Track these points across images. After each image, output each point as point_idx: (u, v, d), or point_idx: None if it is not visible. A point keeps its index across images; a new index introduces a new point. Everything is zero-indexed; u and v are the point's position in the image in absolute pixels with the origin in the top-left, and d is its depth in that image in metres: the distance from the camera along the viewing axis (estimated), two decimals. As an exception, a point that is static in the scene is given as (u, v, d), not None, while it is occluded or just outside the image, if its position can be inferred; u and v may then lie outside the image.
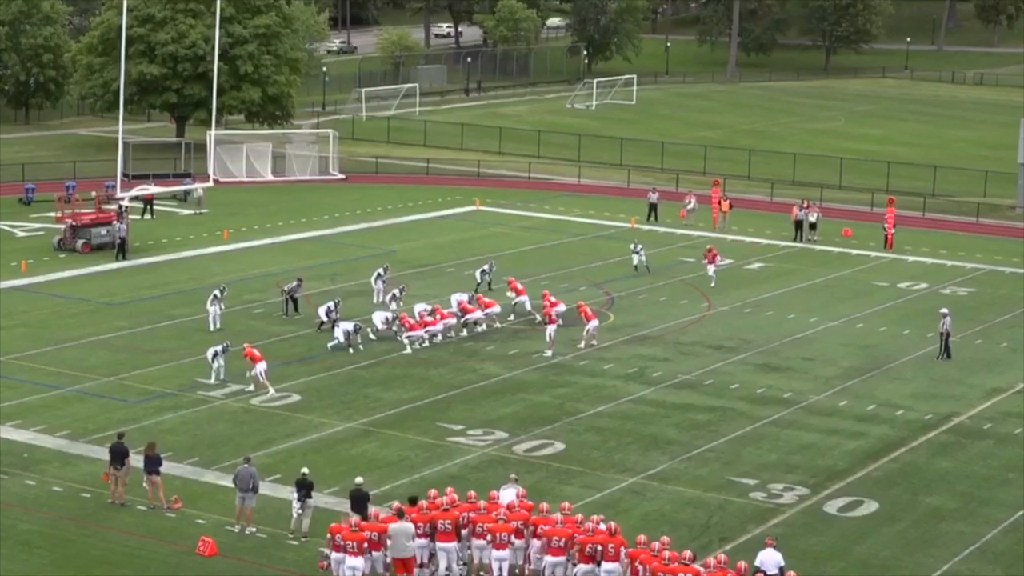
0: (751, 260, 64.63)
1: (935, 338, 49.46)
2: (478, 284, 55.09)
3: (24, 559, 30.84)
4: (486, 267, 56.20)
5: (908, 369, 47.75)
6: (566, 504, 30.71)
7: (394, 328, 48.40)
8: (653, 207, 72.87)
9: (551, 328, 47.84)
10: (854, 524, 34.26)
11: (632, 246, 61.34)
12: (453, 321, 49.34)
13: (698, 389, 44.58)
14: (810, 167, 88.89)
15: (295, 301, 51.57)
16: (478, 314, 50.26)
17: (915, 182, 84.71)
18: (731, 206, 72.34)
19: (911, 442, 40.28)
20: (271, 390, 42.21)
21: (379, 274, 54.05)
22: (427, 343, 47.92)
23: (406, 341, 47.50)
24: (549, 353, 47.28)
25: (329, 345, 47.12)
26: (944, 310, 49.68)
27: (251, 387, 42.38)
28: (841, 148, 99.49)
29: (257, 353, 42.84)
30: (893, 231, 68.18)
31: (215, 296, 49.63)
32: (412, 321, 48.13)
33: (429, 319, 48.55)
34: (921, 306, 56.03)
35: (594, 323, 48.65)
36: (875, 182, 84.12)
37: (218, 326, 48.87)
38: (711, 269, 58.53)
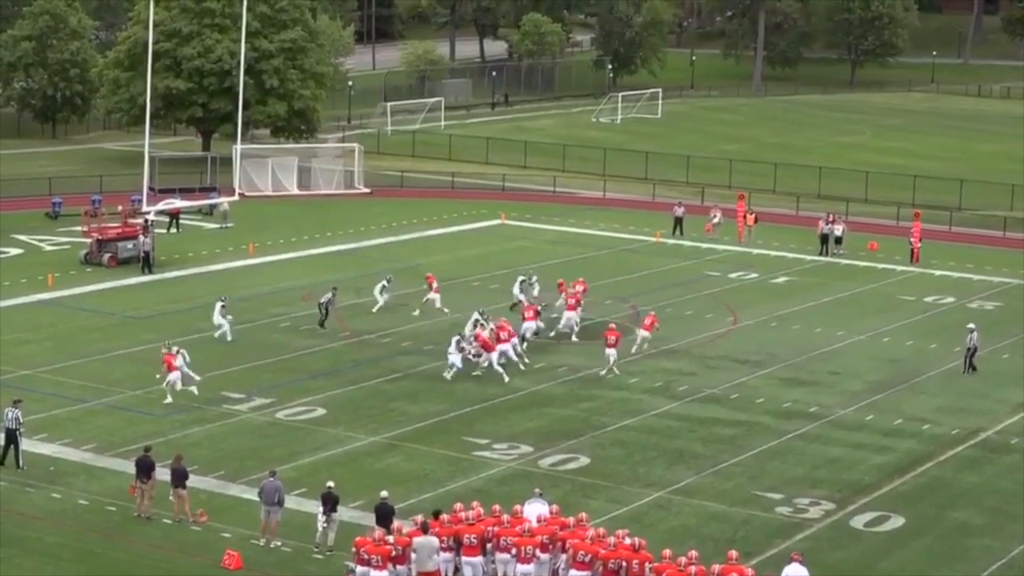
0: (777, 274, 64.49)
1: (962, 352, 49.24)
2: (518, 300, 54.07)
3: (50, 572, 30.89)
4: (523, 278, 55.21)
5: (935, 383, 47.55)
6: (584, 515, 30.60)
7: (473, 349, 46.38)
8: (678, 221, 72.79)
9: (570, 314, 48.47)
10: (880, 539, 34.11)
11: (527, 277, 55.46)
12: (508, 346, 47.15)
13: (724, 403, 44.47)
14: (836, 181, 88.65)
15: (327, 312, 51.59)
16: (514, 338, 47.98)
17: (941, 196, 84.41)
18: (756, 220, 72.20)
19: (938, 457, 40.10)
20: (169, 398, 42.28)
21: (383, 286, 54.32)
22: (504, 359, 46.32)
23: (474, 358, 45.97)
24: (576, 339, 46.86)
25: (446, 375, 45.61)
26: (971, 325, 49.43)
27: (270, 401, 42.49)
28: (867, 161, 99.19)
29: (174, 363, 42.84)
30: (919, 245, 67.96)
31: (222, 307, 49.75)
32: (484, 337, 46.19)
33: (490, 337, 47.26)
34: (948, 320, 55.81)
35: (645, 334, 48.71)
36: (901, 196, 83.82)
37: (229, 338, 49.15)
38: (644, 335, 49.07)
